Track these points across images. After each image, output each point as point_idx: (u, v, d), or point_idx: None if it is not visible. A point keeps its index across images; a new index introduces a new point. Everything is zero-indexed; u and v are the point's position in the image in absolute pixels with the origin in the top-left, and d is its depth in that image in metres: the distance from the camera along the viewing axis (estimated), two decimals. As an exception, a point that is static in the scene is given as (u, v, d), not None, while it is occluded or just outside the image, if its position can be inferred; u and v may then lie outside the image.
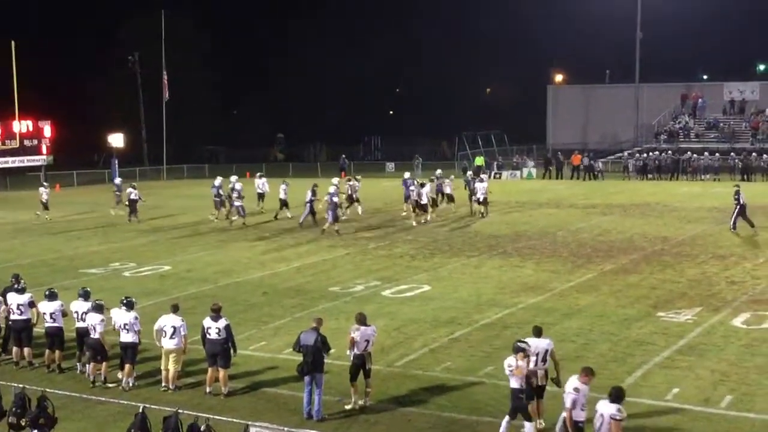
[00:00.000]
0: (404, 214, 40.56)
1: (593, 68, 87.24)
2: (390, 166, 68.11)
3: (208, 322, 16.26)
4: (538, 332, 14.62)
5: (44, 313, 18.09)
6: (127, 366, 17.00)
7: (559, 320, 21.17)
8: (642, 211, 41.20)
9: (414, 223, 37.65)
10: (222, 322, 16.20)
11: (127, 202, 41.86)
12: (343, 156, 71.39)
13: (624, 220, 38.35)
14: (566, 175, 63.82)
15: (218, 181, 42.78)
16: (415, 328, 20.45)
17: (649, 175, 61.17)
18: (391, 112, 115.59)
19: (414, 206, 38.77)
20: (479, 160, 68.03)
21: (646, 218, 38.91)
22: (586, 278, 26.04)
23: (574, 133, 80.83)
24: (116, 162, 69.56)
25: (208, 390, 16.24)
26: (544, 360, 14.26)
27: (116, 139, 71.54)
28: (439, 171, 44.91)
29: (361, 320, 15.47)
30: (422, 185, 39.17)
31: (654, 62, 75.24)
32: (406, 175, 43.35)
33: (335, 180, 40.42)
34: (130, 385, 16.93)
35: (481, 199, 40.00)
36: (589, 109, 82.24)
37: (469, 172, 49.58)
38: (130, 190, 42.62)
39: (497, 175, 66.05)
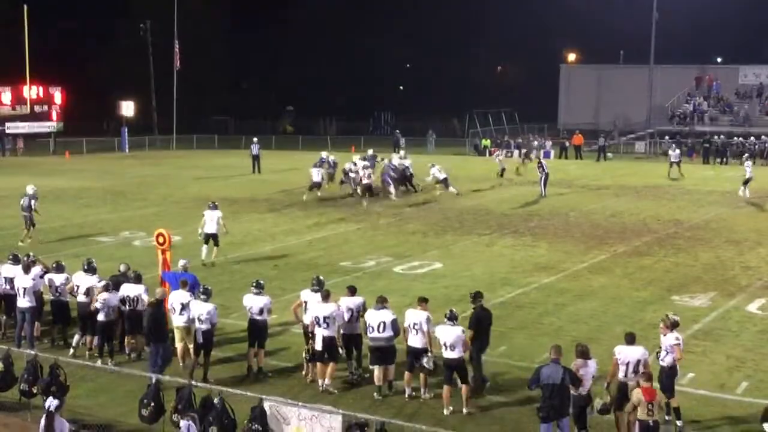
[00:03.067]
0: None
1: (607, 48, 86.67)
2: (402, 141, 67.74)
3: (249, 300, 16.12)
4: (631, 339, 13.51)
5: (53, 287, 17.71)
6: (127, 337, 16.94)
7: (572, 301, 21.07)
8: (654, 194, 40.97)
9: (365, 204, 35.99)
10: (263, 300, 16.05)
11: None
12: (397, 131, 70.83)
13: (637, 202, 38.13)
14: (573, 155, 63.56)
15: (324, 155, 42.55)
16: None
17: (718, 159, 57.78)
18: (401, 88, 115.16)
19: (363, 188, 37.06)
20: (486, 141, 67.90)
21: (658, 201, 38.69)
22: (599, 259, 25.90)
23: (586, 113, 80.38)
24: (126, 131, 69.44)
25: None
26: (635, 371, 13.14)
27: (127, 108, 71.39)
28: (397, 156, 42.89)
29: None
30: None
31: (669, 44, 74.64)
32: (369, 152, 43.33)
33: (399, 154, 40.84)
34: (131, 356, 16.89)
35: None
36: (602, 90, 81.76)
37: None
38: None
39: (509, 154, 65.74)
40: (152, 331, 15.71)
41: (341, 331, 15.45)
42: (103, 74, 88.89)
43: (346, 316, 15.51)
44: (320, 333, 15.14)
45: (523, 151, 55.92)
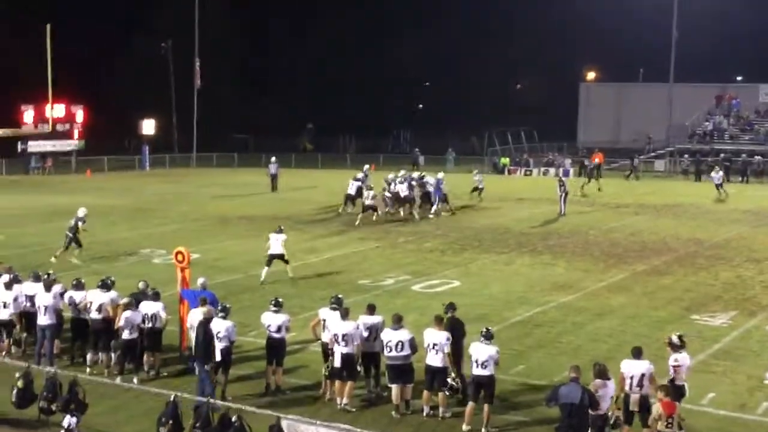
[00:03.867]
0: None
1: (627, 66, 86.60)
2: (421, 159, 67.79)
3: (267, 317, 16.17)
4: (637, 353, 13.72)
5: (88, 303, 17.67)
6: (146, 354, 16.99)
7: (590, 320, 21.02)
8: (674, 212, 40.82)
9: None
10: (282, 318, 16.10)
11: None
12: (417, 149, 70.86)
13: (656, 221, 38.01)
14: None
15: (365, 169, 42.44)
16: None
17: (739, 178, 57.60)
18: (420, 106, 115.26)
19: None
20: (505, 160, 67.84)
21: (678, 219, 38.54)
22: (618, 278, 25.84)
23: (605, 131, 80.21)
24: (147, 149, 69.84)
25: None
26: (639, 384, 13.37)
27: (148, 126, 71.84)
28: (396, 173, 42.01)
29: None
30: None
31: (689, 62, 74.46)
32: (365, 167, 43.06)
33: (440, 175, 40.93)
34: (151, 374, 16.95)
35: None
36: (621, 108, 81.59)
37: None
38: None
39: (528, 172, 65.74)
40: (203, 351, 15.61)
41: (360, 349, 15.46)
42: (125, 92, 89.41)
43: (365, 335, 15.52)
44: (339, 351, 15.16)
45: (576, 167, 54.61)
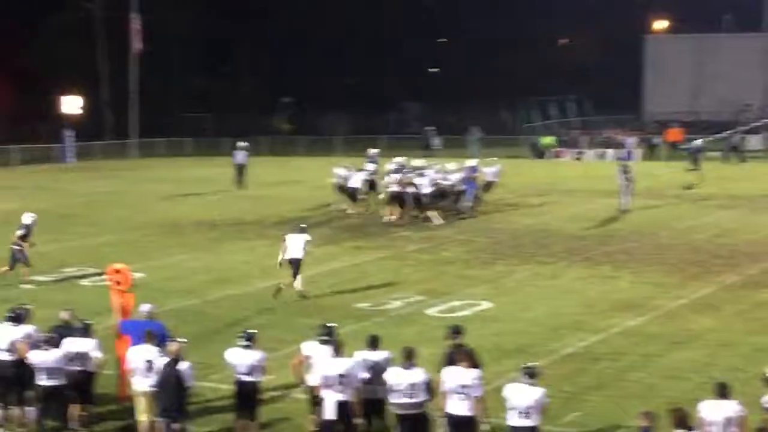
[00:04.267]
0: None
1: (707, 12, 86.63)
2: (437, 141, 67.86)
3: (234, 355, 16.17)
4: (722, 391, 13.64)
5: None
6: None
7: (667, 350, 20.99)
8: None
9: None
10: (254, 356, 16.10)
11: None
12: (430, 128, 70.79)
13: (751, 217, 38.01)
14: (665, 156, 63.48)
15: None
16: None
17: None
18: (434, 71, 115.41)
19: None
20: (547, 140, 67.76)
21: (780, 214, 38.61)
22: (701, 294, 25.83)
23: (680, 99, 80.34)
24: (69, 135, 69.75)
25: None
26: None
27: (70, 104, 71.69)
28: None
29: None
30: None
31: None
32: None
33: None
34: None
35: None
36: (701, 68, 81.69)
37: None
38: None
39: (579, 155, 65.83)
40: (172, 403, 15.53)
41: (360, 396, 15.42)
42: (38, 60, 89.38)
43: (366, 376, 15.47)
44: (331, 398, 15.11)
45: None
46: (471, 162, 41.09)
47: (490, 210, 40.07)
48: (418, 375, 14.97)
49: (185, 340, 16.47)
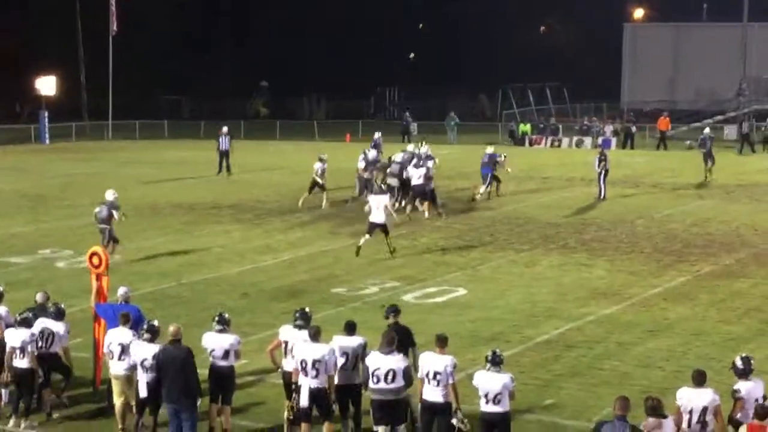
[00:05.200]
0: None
1: (686, 1, 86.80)
2: (413, 126, 67.82)
3: (210, 339, 16.15)
4: (700, 379, 13.73)
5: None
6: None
7: (641, 339, 21.06)
8: (751, 195, 40.99)
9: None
10: (228, 339, 16.09)
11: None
12: (407, 113, 70.47)
13: (727, 206, 38.10)
14: (643, 144, 63.56)
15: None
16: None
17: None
18: (412, 56, 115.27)
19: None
20: (524, 127, 67.86)
21: (756, 204, 38.70)
22: (676, 283, 25.89)
23: (658, 87, 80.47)
24: (46, 115, 69.47)
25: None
26: (702, 422, 13.38)
27: (47, 85, 71.32)
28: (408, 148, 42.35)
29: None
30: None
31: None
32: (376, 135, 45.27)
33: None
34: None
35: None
36: (680, 56, 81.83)
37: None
38: None
39: (556, 143, 65.92)
40: (176, 387, 15.39)
41: (335, 382, 15.43)
42: (14, 40, 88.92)
43: (341, 362, 15.49)
44: (307, 383, 15.11)
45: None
46: (489, 149, 41.28)
47: (466, 197, 40.04)
48: (397, 361, 14.99)
49: (158, 324, 16.41)
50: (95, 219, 28.97)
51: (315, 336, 15.42)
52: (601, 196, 39.29)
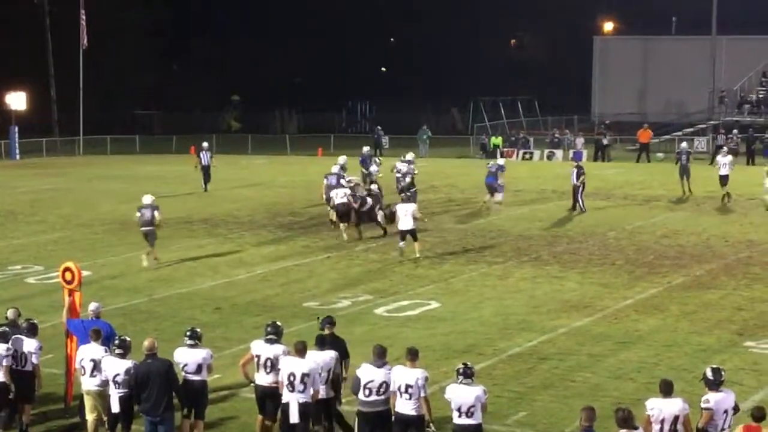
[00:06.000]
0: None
1: (656, 14, 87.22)
2: (384, 140, 67.94)
3: (183, 354, 16.08)
4: (667, 389, 13.83)
5: None
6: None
7: (613, 350, 21.10)
8: (721, 207, 41.14)
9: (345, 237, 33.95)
10: (200, 354, 16.03)
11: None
12: (378, 127, 70.71)
13: (697, 218, 38.29)
14: (614, 156, 63.81)
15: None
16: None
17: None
18: (383, 69, 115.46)
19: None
20: (496, 140, 68.00)
21: (726, 215, 38.90)
22: (648, 294, 25.97)
23: (628, 100, 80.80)
24: (16, 131, 69.17)
25: None
26: (673, 431, 13.48)
27: (17, 101, 71.04)
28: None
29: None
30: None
31: (738, 8, 75.16)
32: (365, 149, 45.66)
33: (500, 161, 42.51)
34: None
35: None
36: (649, 69, 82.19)
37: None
38: None
39: (527, 155, 66.08)
40: (153, 400, 15.38)
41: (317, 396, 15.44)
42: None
43: (324, 376, 15.51)
44: (295, 399, 15.05)
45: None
46: (500, 161, 42.03)
47: (438, 210, 40.11)
48: (388, 374, 15.01)
49: (129, 339, 16.35)
50: (138, 224, 30.29)
51: (302, 351, 15.39)
52: (581, 210, 39.29)
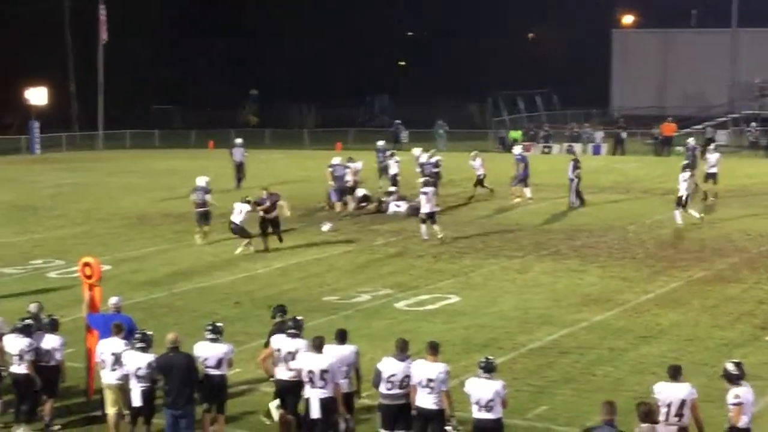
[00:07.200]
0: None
1: (675, 7, 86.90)
2: (404, 135, 67.88)
3: (203, 349, 16.10)
4: (674, 373, 13.93)
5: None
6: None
7: (634, 345, 21.03)
8: (742, 199, 41.02)
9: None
10: (222, 348, 16.04)
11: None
12: (397, 121, 70.74)
13: (718, 211, 38.10)
14: (633, 150, 63.59)
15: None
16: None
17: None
18: (401, 64, 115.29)
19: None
20: (515, 134, 67.83)
21: (748, 208, 38.68)
22: (669, 288, 25.88)
23: (647, 93, 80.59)
24: (36, 126, 69.38)
25: None
26: (679, 414, 13.53)
27: (37, 96, 71.24)
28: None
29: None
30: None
31: (757, 0, 74.78)
32: (380, 143, 46.53)
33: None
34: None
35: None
36: (668, 63, 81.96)
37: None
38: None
39: (546, 149, 65.93)
40: (176, 393, 15.45)
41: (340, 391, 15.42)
42: (4, 50, 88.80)
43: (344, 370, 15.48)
44: (316, 395, 15.03)
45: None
46: (516, 150, 44.30)
47: (457, 204, 40.06)
48: (410, 367, 14.99)
49: (151, 333, 16.37)
50: (193, 205, 33.08)
51: (320, 347, 15.35)
52: (578, 203, 39.20)
